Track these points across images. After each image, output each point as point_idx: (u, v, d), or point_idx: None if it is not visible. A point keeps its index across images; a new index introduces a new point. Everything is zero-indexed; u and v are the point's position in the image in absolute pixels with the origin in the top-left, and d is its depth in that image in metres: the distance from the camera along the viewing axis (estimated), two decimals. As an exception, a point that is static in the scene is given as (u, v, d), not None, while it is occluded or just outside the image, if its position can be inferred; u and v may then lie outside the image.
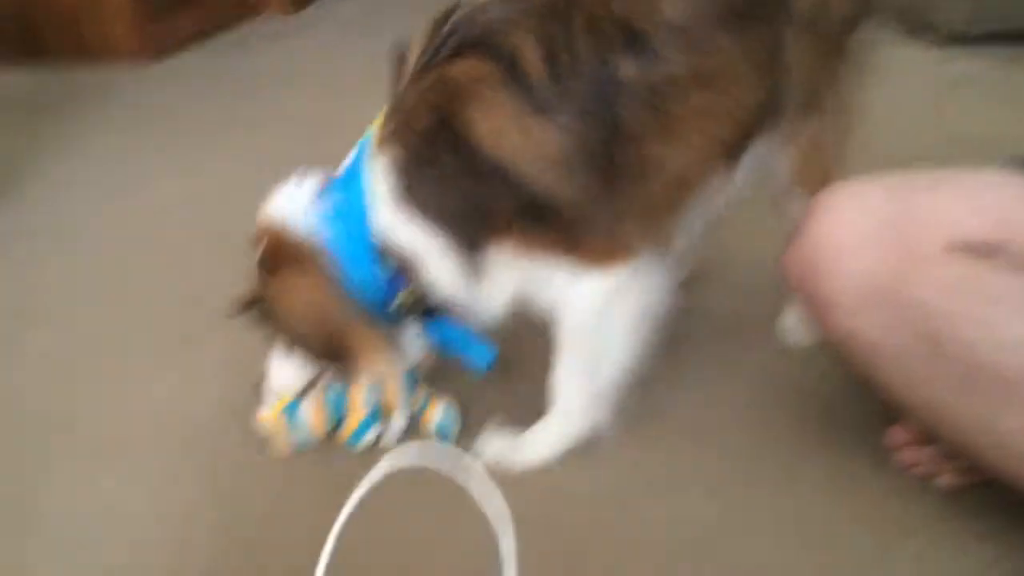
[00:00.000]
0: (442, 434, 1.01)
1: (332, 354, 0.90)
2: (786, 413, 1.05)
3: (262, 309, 0.93)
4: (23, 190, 1.83)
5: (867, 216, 0.86)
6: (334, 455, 1.01)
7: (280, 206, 0.90)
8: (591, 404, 0.95)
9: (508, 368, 1.07)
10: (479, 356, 0.98)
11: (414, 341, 0.99)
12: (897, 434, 0.94)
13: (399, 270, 0.88)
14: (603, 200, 0.83)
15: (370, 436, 0.99)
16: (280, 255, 0.88)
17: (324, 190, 0.90)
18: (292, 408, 0.99)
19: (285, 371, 0.98)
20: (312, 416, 0.99)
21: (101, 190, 1.82)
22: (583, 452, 0.98)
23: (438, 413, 1.01)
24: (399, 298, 0.91)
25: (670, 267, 0.96)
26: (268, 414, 0.99)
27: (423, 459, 0.47)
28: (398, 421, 0.99)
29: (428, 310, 0.93)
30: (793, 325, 1.17)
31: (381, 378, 0.94)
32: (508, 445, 0.97)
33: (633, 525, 0.90)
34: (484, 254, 0.84)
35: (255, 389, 1.01)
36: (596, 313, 0.89)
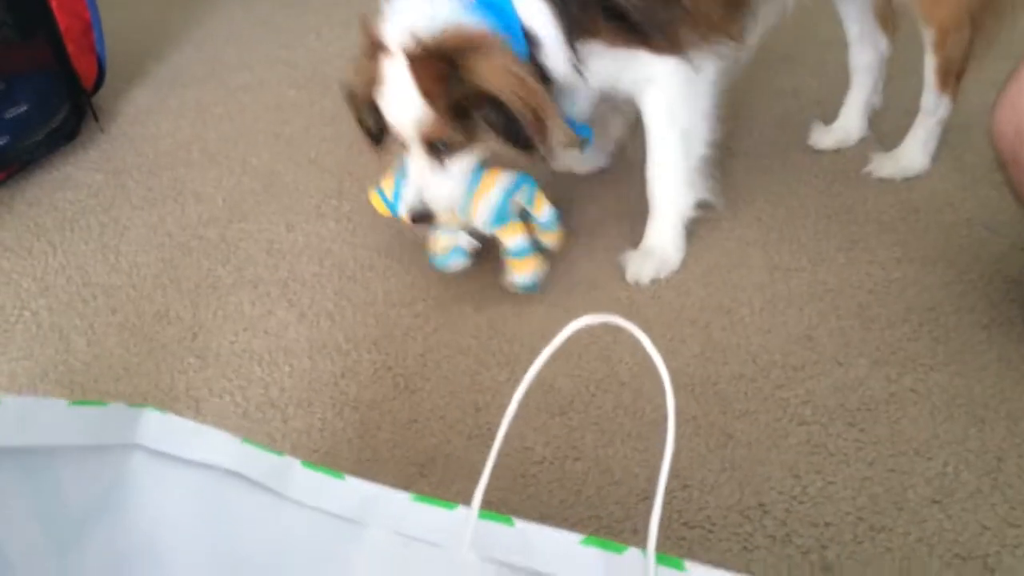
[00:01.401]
0: (546, 227, 1.04)
1: (537, 124, 0.92)
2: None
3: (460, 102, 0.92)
4: (188, 37, 1.88)
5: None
6: (487, 296, 1.02)
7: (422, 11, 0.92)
8: (688, 182, 1.07)
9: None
10: (581, 130, 1.08)
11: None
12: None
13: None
14: (659, 8, 0.97)
15: (455, 262, 1.04)
16: (464, 47, 0.90)
17: None
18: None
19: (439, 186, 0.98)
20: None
21: (266, 36, 1.84)
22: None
23: (545, 210, 1.03)
24: None
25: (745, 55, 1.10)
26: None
27: (603, 319, 0.45)
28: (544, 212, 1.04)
29: None
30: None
31: (564, 147, 1.01)
32: (642, 257, 1.07)
33: (794, 390, 0.87)
34: (585, 46, 0.97)
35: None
36: (672, 93, 1.03)
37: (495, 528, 0.48)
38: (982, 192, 1.11)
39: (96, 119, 1.49)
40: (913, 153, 1.17)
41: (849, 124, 1.25)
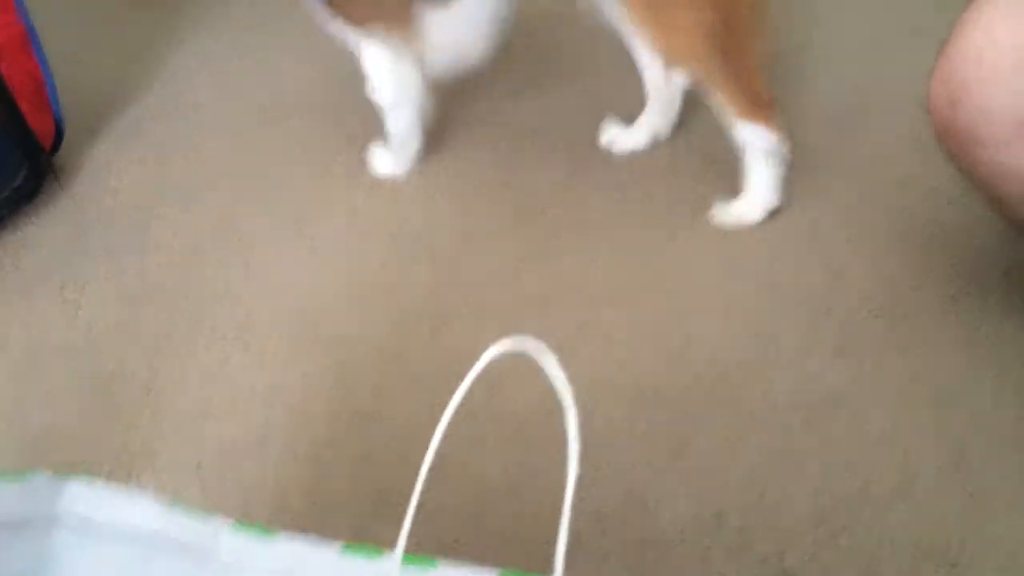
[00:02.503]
0: None
1: None
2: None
3: None
4: (149, 83, 1.88)
5: (1018, 33, 0.74)
6: (443, 338, 1.01)
7: None
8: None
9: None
10: None
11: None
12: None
13: None
14: None
15: None
16: None
17: None
18: None
19: None
20: None
21: (228, 73, 1.84)
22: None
23: None
24: None
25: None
26: None
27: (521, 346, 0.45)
28: None
29: None
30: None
31: None
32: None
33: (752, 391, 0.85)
34: None
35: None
36: (367, 64, 1.22)
37: (418, 573, 0.47)
38: (939, 165, 1.08)
39: (56, 177, 1.49)
40: (752, 199, 1.05)
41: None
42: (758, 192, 1.05)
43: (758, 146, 1.01)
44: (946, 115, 0.78)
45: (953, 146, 0.80)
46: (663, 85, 1.17)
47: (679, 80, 1.16)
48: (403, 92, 1.23)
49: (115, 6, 2.50)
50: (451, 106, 1.47)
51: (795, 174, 1.13)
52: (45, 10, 2.58)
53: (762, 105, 0.98)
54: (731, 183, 1.09)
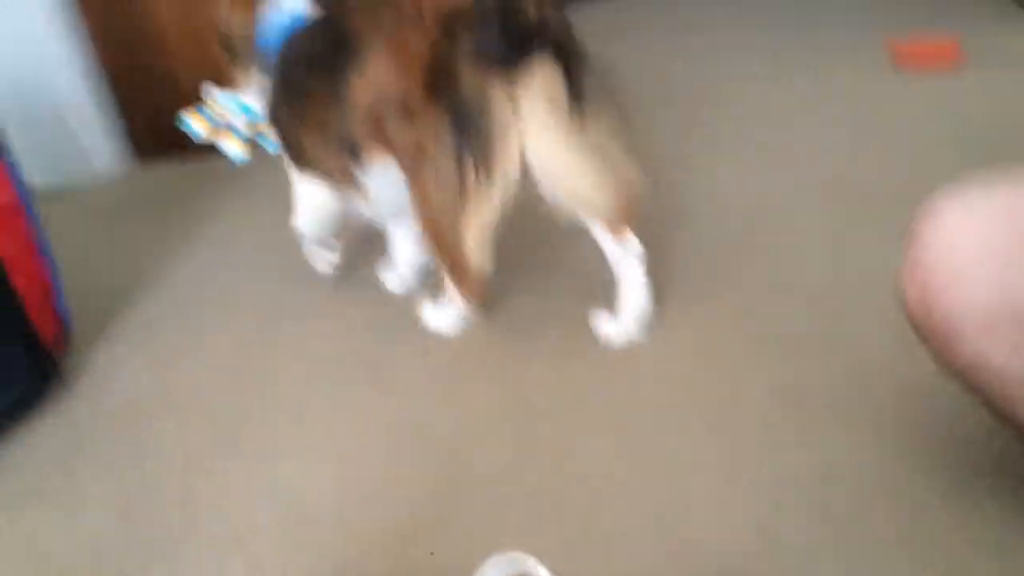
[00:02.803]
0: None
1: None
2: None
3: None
4: (162, 283, 1.94)
5: (979, 227, 0.78)
6: (440, 541, 1.00)
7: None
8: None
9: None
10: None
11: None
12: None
13: None
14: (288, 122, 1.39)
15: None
16: None
17: None
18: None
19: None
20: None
21: (238, 275, 1.90)
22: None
23: None
24: None
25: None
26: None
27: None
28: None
29: None
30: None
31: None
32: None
33: None
34: None
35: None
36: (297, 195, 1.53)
37: None
38: (924, 354, 1.11)
39: (61, 379, 1.52)
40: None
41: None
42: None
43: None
44: (920, 314, 0.81)
45: (930, 341, 0.82)
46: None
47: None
48: (321, 227, 1.56)
49: (130, 214, 2.62)
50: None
51: (779, 361, 1.16)
52: (60, 213, 2.69)
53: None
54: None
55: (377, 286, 1.63)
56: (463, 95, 1.07)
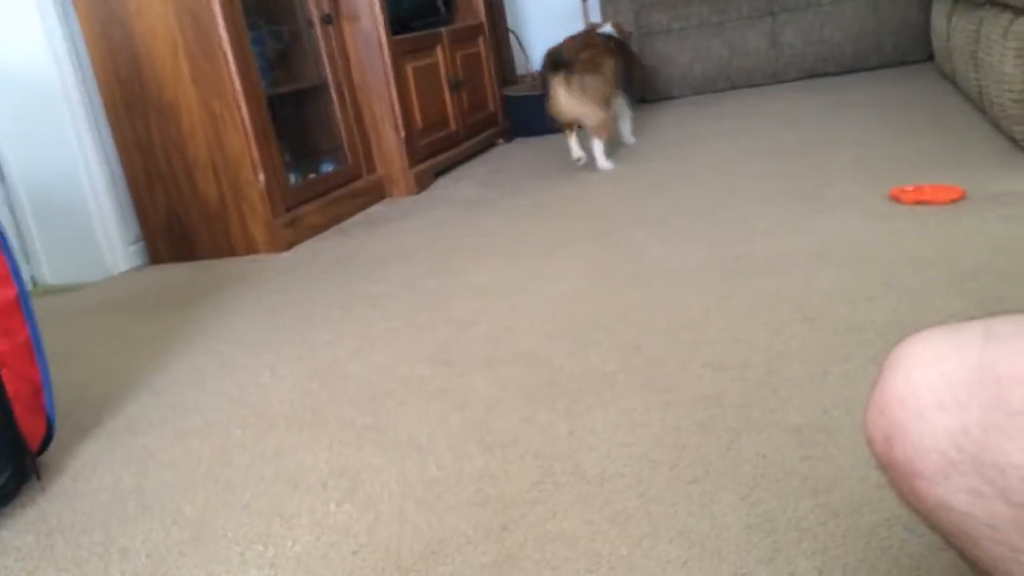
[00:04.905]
0: None
1: None
2: None
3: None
4: (148, 384, 1.95)
5: (946, 370, 0.77)
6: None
7: None
8: None
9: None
10: None
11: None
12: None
13: None
14: None
15: None
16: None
17: None
18: None
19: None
20: None
21: (222, 376, 1.91)
22: None
23: None
24: None
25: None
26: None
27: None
28: None
29: None
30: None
31: None
32: None
33: None
34: None
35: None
36: None
37: None
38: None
39: (38, 478, 1.51)
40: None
41: None
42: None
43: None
44: (883, 449, 0.80)
45: (894, 478, 0.81)
46: None
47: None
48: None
49: (132, 311, 2.66)
50: (413, 403, 1.52)
51: (759, 493, 1.14)
52: (63, 306, 2.74)
53: None
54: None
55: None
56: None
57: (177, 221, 3.07)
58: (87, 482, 1.52)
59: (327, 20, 3.33)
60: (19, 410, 1.49)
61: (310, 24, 3.32)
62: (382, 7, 3.42)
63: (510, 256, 2.47)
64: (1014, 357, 0.75)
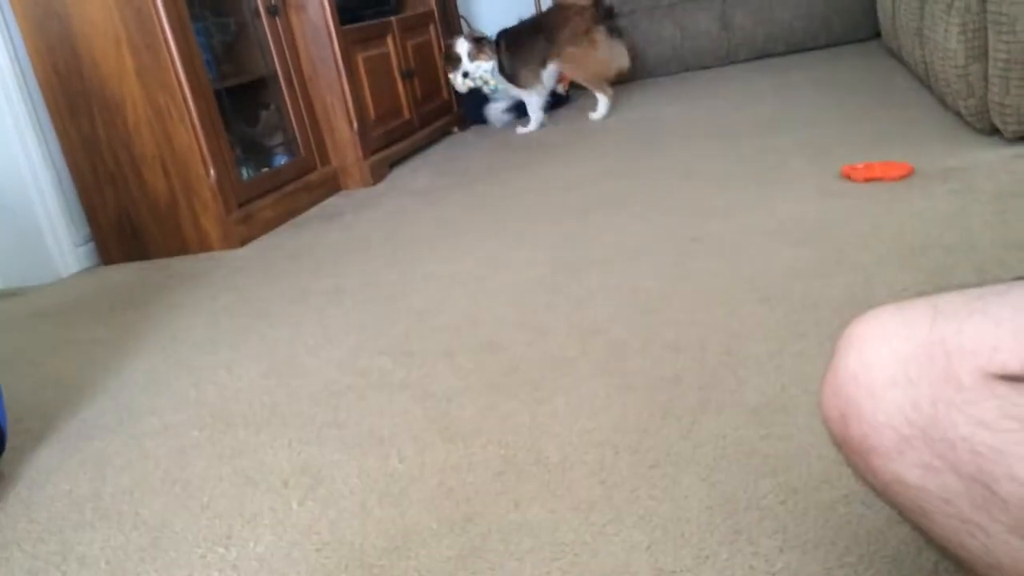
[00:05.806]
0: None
1: None
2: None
3: None
4: (104, 388, 1.91)
5: (897, 347, 0.79)
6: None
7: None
8: None
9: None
10: None
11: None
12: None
13: None
14: None
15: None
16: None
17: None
18: None
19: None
20: None
21: (179, 377, 1.88)
22: None
23: None
24: None
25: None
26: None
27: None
28: None
29: None
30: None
31: None
32: None
33: None
34: None
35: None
36: None
37: None
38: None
39: (-9, 488, 1.48)
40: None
41: None
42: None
43: None
44: (838, 427, 0.81)
45: (849, 455, 0.82)
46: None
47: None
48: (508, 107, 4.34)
49: (84, 313, 2.60)
50: (374, 396, 1.51)
51: (719, 474, 1.15)
52: (13, 310, 2.68)
53: None
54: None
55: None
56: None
57: (128, 220, 3.01)
58: (42, 490, 1.49)
59: (273, 11, 3.28)
60: (-32, 420, 1.45)
61: (257, 15, 3.27)
62: (329, -4, 3.37)
63: (468, 245, 2.46)
64: (961, 333, 0.77)
